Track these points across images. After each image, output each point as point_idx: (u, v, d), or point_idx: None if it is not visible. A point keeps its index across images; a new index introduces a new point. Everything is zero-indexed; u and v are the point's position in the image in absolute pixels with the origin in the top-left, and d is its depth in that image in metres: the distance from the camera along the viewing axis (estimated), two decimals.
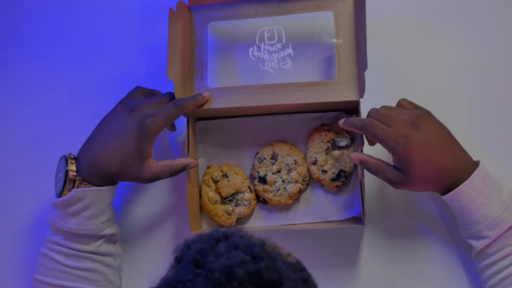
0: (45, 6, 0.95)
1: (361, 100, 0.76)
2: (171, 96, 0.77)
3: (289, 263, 0.49)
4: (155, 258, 0.85)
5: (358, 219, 0.80)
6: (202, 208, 0.84)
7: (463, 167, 0.71)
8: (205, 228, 0.85)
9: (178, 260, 0.49)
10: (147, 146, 0.73)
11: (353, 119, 0.75)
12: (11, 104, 0.92)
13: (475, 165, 0.71)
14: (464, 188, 0.69)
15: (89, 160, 0.74)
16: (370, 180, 0.81)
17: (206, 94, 0.79)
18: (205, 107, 0.79)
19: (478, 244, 0.70)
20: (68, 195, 0.73)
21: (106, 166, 0.74)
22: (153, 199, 0.86)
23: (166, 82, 0.78)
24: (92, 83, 0.91)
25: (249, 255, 0.47)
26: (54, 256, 0.75)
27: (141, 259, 0.85)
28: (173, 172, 0.76)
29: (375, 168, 0.72)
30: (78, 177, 0.74)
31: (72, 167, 0.74)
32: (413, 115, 0.71)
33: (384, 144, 0.71)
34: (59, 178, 0.75)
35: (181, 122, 0.82)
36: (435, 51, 0.84)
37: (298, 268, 0.50)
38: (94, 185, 0.74)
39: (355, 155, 0.74)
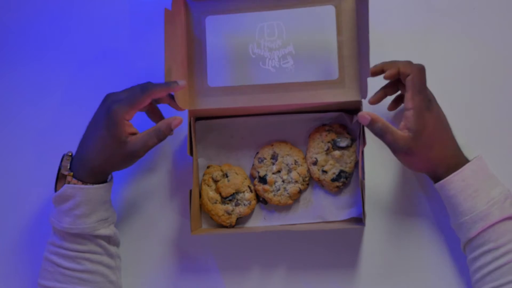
0: (47, 6, 0.95)
1: (362, 100, 0.77)
2: (146, 83, 0.75)
3: None
4: (155, 257, 0.85)
5: (358, 220, 0.81)
6: (202, 207, 0.84)
7: (457, 154, 0.73)
8: (204, 227, 0.85)
9: None
10: (118, 131, 0.72)
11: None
12: (13, 104, 0.92)
13: (465, 159, 0.73)
14: (455, 178, 0.71)
15: (77, 156, 0.75)
16: (370, 181, 0.82)
17: (181, 82, 0.75)
18: (206, 107, 0.79)
19: (463, 237, 0.71)
20: (60, 190, 0.74)
21: (90, 159, 0.74)
22: (152, 198, 0.86)
23: None
24: (93, 83, 0.91)
25: None
26: (54, 258, 0.75)
27: (140, 259, 0.85)
28: (159, 136, 0.74)
29: (385, 128, 0.71)
30: (69, 173, 0.74)
31: (66, 163, 0.75)
32: (430, 94, 0.74)
33: (418, 94, 0.70)
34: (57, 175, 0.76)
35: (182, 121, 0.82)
36: (435, 50, 0.85)
37: None
38: (86, 182, 0.74)
39: (365, 113, 0.72)
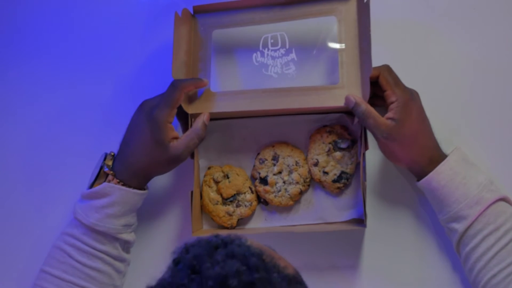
0: (49, 5, 0.94)
1: None
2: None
3: (286, 276, 0.49)
4: (156, 259, 0.85)
5: (359, 221, 0.81)
6: (203, 208, 0.84)
7: (437, 147, 0.75)
8: (206, 228, 0.85)
9: (176, 262, 0.50)
10: (162, 134, 0.75)
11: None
12: (13, 103, 0.92)
13: (444, 153, 0.75)
14: (443, 168, 0.72)
15: (120, 158, 0.77)
16: (371, 182, 0.82)
17: (206, 79, 0.80)
18: (208, 111, 0.79)
19: (461, 227, 0.71)
20: (98, 187, 0.75)
21: (134, 162, 0.76)
22: (153, 199, 0.86)
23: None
24: (94, 84, 0.91)
25: (245, 266, 0.47)
26: (68, 250, 0.75)
27: (141, 260, 0.85)
28: (199, 135, 0.77)
29: (368, 113, 0.73)
30: (111, 172, 0.76)
31: (109, 162, 0.77)
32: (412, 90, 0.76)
33: (396, 87, 0.73)
34: (94, 172, 0.78)
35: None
36: (435, 51, 0.85)
37: (295, 281, 0.50)
38: (126, 184, 0.76)
39: (351, 96, 0.75)
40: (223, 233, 0.53)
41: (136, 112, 0.78)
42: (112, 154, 0.79)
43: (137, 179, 0.77)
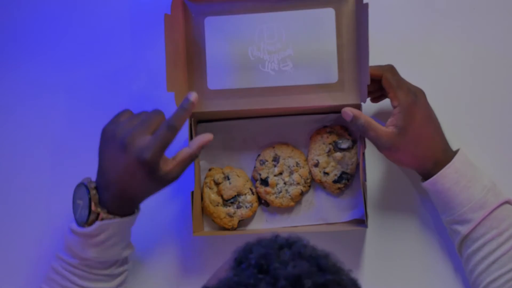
0: (47, 5, 0.95)
1: (362, 104, 0.77)
2: (158, 113, 0.71)
3: (352, 279, 0.48)
4: (157, 261, 0.85)
5: (360, 221, 0.81)
6: (203, 210, 0.84)
7: (444, 148, 0.74)
8: (207, 230, 0.85)
9: (238, 262, 0.48)
10: (161, 171, 0.69)
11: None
12: (12, 103, 0.92)
13: (453, 153, 0.74)
14: (448, 171, 0.71)
15: (110, 195, 0.71)
16: (371, 182, 0.82)
17: (193, 97, 0.71)
18: (206, 110, 0.79)
19: (464, 229, 0.71)
20: (91, 228, 0.70)
21: (128, 197, 0.71)
22: (154, 201, 0.85)
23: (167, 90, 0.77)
24: (94, 84, 0.91)
25: (315, 266, 0.46)
26: (68, 275, 0.72)
27: (142, 261, 0.85)
28: (194, 157, 0.71)
29: (367, 125, 0.72)
30: (102, 210, 0.70)
31: (95, 198, 0.71)
32: (416, 89, 0.75)
33: (398, 90, 0.72)
34: (79, 206, 0.72)
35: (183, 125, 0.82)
36: (435, 51, 0.85)
37: (358, 285, 0.49)
38: (118, 215, 0.71)
39: (348, 109, 0.74)
40: (283, 233, 0.51)
41: (116, 150, 0.69)
42: (94, 186, 0.71)
43: (130, 207, 0.73)
